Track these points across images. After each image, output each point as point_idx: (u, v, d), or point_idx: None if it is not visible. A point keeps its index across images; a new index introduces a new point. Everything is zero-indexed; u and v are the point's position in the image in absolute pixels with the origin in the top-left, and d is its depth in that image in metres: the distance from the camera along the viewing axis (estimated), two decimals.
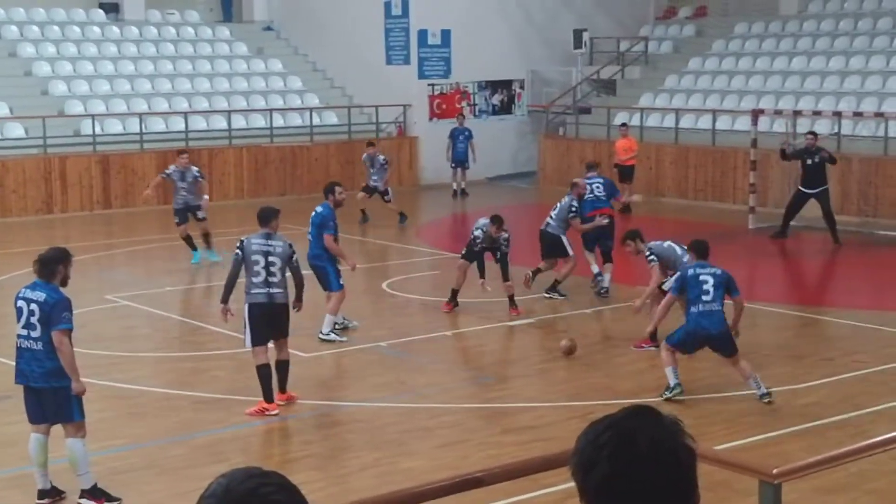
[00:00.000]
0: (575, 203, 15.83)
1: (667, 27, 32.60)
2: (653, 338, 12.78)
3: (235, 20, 32.76)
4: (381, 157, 22.52)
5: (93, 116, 25.50)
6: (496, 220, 14.69)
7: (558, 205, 15.98)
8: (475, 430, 10.62)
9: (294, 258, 11.05)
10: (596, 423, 2.18)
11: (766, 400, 11.02)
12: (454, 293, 15.03)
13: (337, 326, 13.73)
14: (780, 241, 20.56)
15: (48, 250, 8.91)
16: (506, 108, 31.14)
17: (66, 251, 8.94)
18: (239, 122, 27.58)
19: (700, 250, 11.58)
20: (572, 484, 2.17)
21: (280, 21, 32.38)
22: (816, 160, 20.21)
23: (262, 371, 10.79)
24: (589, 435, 2.16)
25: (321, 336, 13.52)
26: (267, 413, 10.77)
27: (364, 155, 22.89)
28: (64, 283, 8.72)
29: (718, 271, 11.18)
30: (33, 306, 8.53)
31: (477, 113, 30.48)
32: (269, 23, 32.44)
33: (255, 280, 10.91)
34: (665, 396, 11.10)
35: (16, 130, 24.99)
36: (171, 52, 29.42)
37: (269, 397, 10.80)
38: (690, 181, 25.83)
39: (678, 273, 11.61)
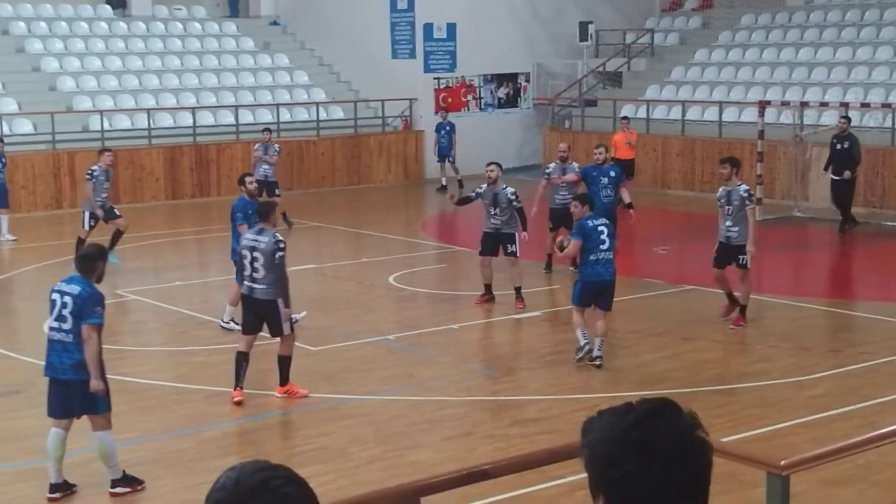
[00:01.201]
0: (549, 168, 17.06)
1: (673, 19, 32.55)
2: (742, 313, 13.51)
3: (242, 15, 32.81)
4: (276, 146, 21.51)
5: (101, 112, 25.57)
6: (492, 163, 14.97)
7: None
8: (482, 423, 10.66)
9: (277, 255, 10.87)
10: (619, 416, 2.16)
11: (597, 362, 11.89)
12: (487, 287, 15.09)
13: (224, 321, 13.81)
14: (845, 232, 20.40)
15: (88, 246, 9.27)
16: (511, 102, 31.14)
17: (104, 249, 9.32)
18: (246, 116, 27.61)
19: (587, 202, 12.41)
20: (579, 476, 2.19)
21: (286, 16, 32.41)
22: (846, 146, 20.24)
23: (237, 357, 11.05)
24: (615, 429, 2.14)
25: (221, 324, 13.82)
26: (233, 399, 10.98)
27: (257, 145, 21.47)
28: (99, 279, 8.85)
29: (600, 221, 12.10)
30: (66, 298, 8.61)
31: (483, 106, 30.49)
32: (276, 18, 32.48)
33: (244, 273, 11.16)
34: (577, 358, 11.97)
35: (24, 126, 25.06)
36: (179, 48, 29.48)
37: (236, 383, 11.00)
38: (697, 173, 25.82)
39: (578, 223, 12.13)
